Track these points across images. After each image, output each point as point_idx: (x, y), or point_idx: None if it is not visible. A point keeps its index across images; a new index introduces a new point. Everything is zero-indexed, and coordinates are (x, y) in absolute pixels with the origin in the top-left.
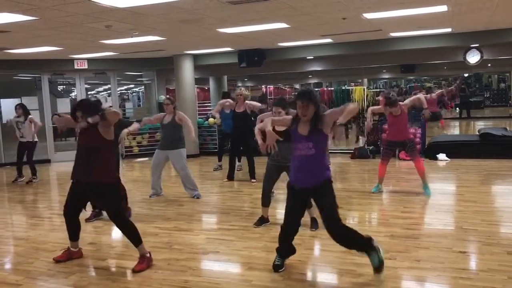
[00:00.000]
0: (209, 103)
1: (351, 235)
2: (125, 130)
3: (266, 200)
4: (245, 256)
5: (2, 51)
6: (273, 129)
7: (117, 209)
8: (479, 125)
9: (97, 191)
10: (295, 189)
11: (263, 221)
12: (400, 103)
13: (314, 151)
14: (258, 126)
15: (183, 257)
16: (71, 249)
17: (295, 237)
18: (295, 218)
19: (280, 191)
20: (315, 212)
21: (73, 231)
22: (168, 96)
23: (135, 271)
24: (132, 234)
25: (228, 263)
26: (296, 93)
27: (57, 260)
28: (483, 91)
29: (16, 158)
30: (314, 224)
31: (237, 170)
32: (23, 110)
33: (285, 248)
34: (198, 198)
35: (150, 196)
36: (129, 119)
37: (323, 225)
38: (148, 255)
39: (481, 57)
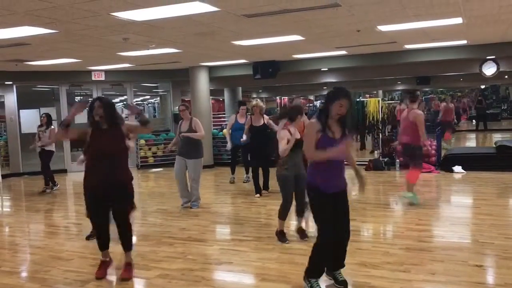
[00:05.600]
0: (224, 114)
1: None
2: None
3: (286, 213)
4: (259, 267)
5: (22, 63)
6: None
7: (128, 207)
8: (496, 138)
9: (118, 189)
10: (330, 195)
11: (284, 235)
12: (417, 110)
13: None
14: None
15: (197, 267)
16: (104, 259)
17: (304, 247)
18: (342, 224)
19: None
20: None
21: (104, 241)
22: (183, 103)
23: (125, 278)
24: (130, 238)
25: (241, 274)
26: (333, 91)
27: (98, 278)
28: (500, 103)
29: (40, 168)
30: (304, 235)
31: (240, 181)
32: (47, 120)
33: (331, 260)
34: (191, 208)
35: (182, 205)
36: None
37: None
38: (133, 263)
39: (498, 69)
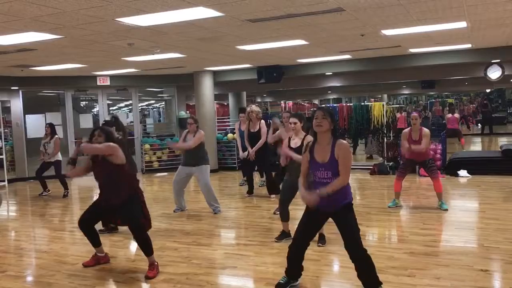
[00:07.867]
0: (228, 118)
1: (369, 260)
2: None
3: (285, 215)
4: (263, 272)
5: (28, 69)
6: (289, 145)
7: (137, 221)
8: (502, 141)
9: (121, 207)
10: (316, 210)
11: (285, 235)
12: (424, 128)
13: (332, 180)
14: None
15: (202, 271)
16: (98, 254)
17: (312, 253)
18: (306, 236)
19: (298, 207)
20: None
21: (93, 239)
22: (192, 115)
23: (149, 277)
24: (147, 246)
25: (245, 278)
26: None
27: (85, 266)
28: (506, 107)
29: (36, 172)
30: (321, 240)
31: (259, 186)
32: (50, 130)
33: (294, 267)
34: (216, 213)
35: (174, 211)
36: (150, 134)
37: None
38: (156, 263)
39: (503, 72)
